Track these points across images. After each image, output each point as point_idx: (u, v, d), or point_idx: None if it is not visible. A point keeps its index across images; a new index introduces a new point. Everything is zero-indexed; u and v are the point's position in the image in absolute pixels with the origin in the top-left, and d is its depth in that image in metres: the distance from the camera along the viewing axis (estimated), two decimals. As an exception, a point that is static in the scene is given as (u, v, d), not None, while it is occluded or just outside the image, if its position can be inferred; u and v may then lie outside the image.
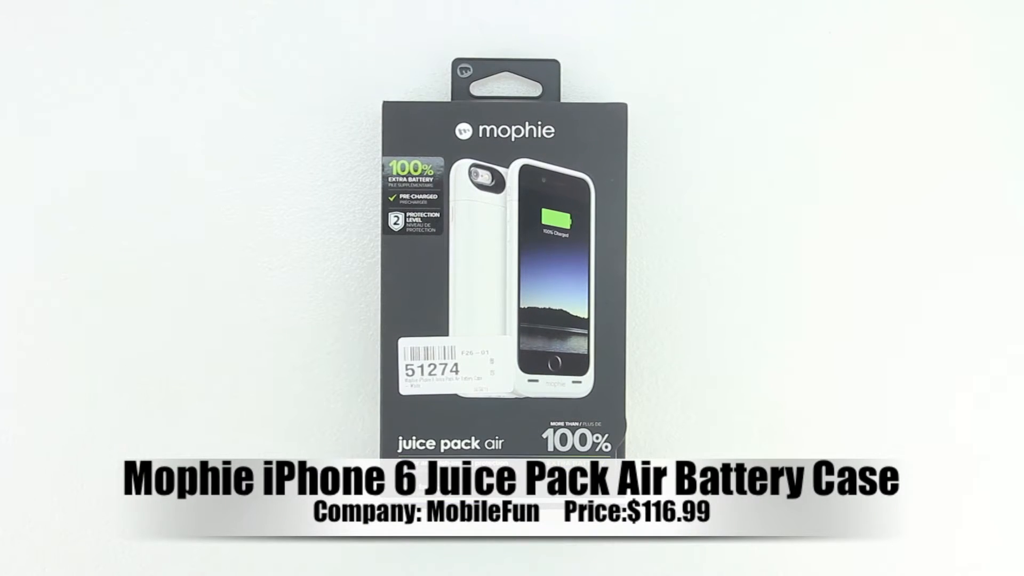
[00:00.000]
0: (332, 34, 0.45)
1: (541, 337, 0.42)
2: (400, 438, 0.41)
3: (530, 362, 0.42)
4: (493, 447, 0.41)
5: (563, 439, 0.41)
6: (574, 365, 0.42)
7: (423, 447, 0.41)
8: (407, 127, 0.42)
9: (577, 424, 0.41)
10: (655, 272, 0.46)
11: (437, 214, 0.42)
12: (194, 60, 0.45)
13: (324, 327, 0.45)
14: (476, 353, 0.41)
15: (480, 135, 0.42)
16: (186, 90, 0.45)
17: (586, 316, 0.42)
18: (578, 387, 0.42)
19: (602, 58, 0.45)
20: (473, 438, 0.41)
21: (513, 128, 0.42)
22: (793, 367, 0.46)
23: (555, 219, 0.43)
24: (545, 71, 0.45)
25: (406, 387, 0.41)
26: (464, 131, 0.42)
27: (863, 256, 0.46)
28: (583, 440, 0.41)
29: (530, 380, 0.42)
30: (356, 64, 0.45)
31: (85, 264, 0.45)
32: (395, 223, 0.42)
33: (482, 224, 0.42)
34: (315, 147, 0.45)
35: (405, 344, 0.41)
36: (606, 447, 0.41)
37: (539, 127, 0.43)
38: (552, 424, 0.41)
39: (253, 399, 0.45)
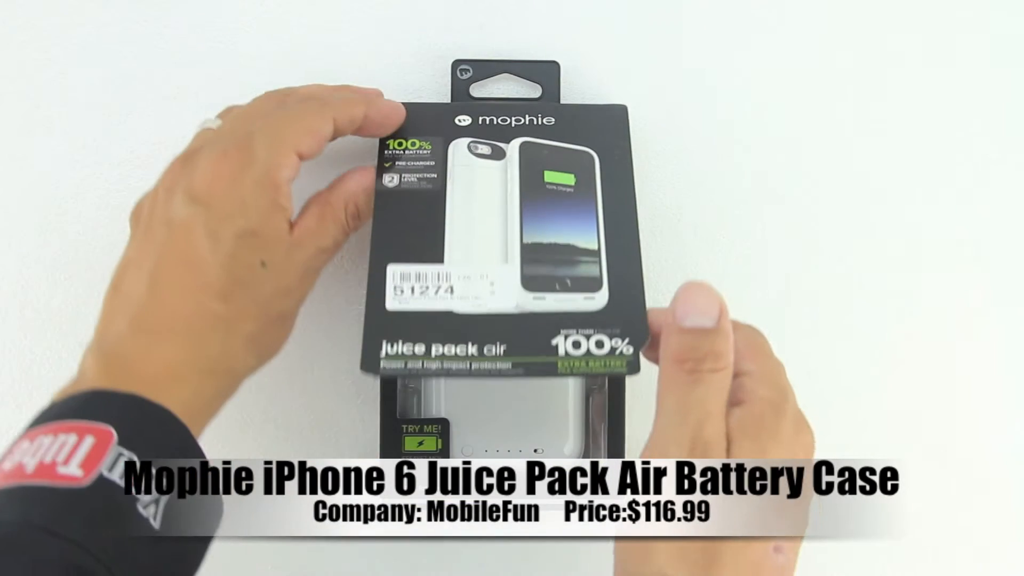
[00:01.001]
0: (331, 35, 0.46)
1: (547, 264, 0.38)
2: (384, 342, 0.35)
3: (535, 283, 0.38)
4: (494, 353, 0.36)
5: (576, 345, 0.36)
6: (585, 285, 0.38)
7: (411, 352, 0.35)
8: (406, 122, 0.42)
9: (592, 331, 0.36)
10: (655, 273, 0.46)
11: (434, 175, 0.40)
12: (193, 61, 0.46)
13: (324, 328, 0.45)
14: (474, 278, 0.38)
15: (479, 123, 0.42)
16: (186, 90, 0.45)
17: (596, 248, 0.39)
18: (591, 302, 0.37)
19: (602, 60, 0.46)
20: (470, 343, 0.36)
21: (513, 118, 0.42)
22: (793, 367, 0.46)
23: (558, 178, 0.41)
24: (545, 72, 0.45)
25: (394, 303, 0.37)
26: (463, 120, 0.42)
27: (865, 254, 0.46)
28: (599, 345, 0.36)
29: (536, 298, 0.37)
30: (355, 65, 0.45)
31: (86, 262, 0.45)
32: (390, 181, 0.40)
33: (482, 180, 0.40)
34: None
35: (395, 269, 0.37)
36: (628, 349, 0.36)
37: (539, 118, 0.42)
38: (563, 331, 0.36)
39: (253, 399, 0.45)
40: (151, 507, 0.31)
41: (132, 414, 0.32)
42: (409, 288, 0.37)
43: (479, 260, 0.38)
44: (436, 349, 0.36)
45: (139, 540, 0.31)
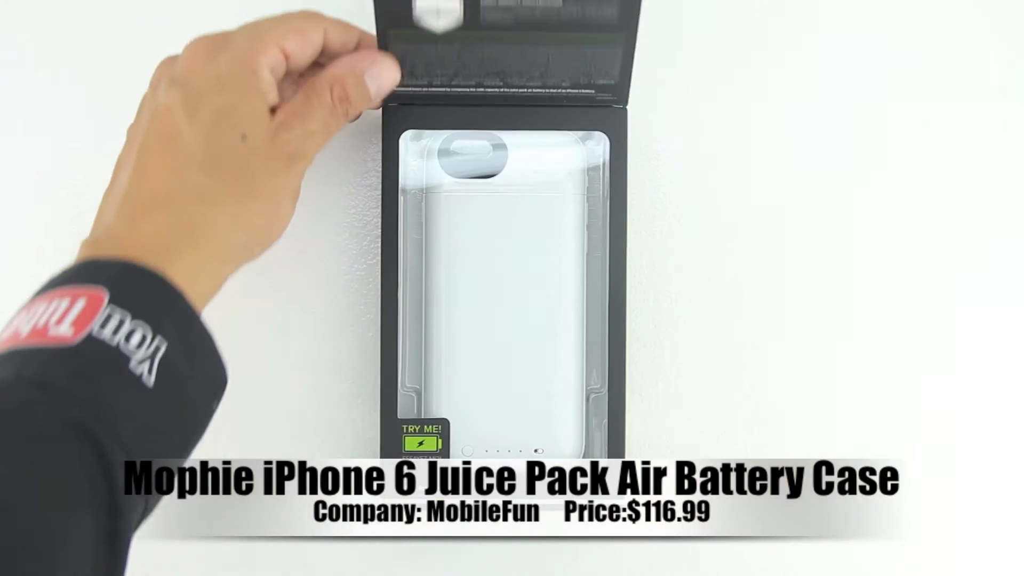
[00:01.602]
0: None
1: None
2: None
3: None
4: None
5: None
6: None
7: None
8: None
9: None
10: (655, 273, 0.46)
11: None
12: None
13: (324, 327, 0.45)
14: None
15: None
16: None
17: None
18: None
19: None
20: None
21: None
22: (793, 367, 0.46)
23: None
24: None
25: None
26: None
27: (864, 256, 0.46)
28: None
29: None
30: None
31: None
32: None
33: None
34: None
35: None
36: None
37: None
38: None
39: (253, 399, 0.45)
40: (144, 364, 0.31)
41: (124, 277, 0.32)
42: None
43: None
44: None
45: (132, 397, 0.30)
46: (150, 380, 0.31)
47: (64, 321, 0.30)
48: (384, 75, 0.38)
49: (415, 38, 0.37)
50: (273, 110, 0.36)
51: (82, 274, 0.32)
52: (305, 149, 0.37)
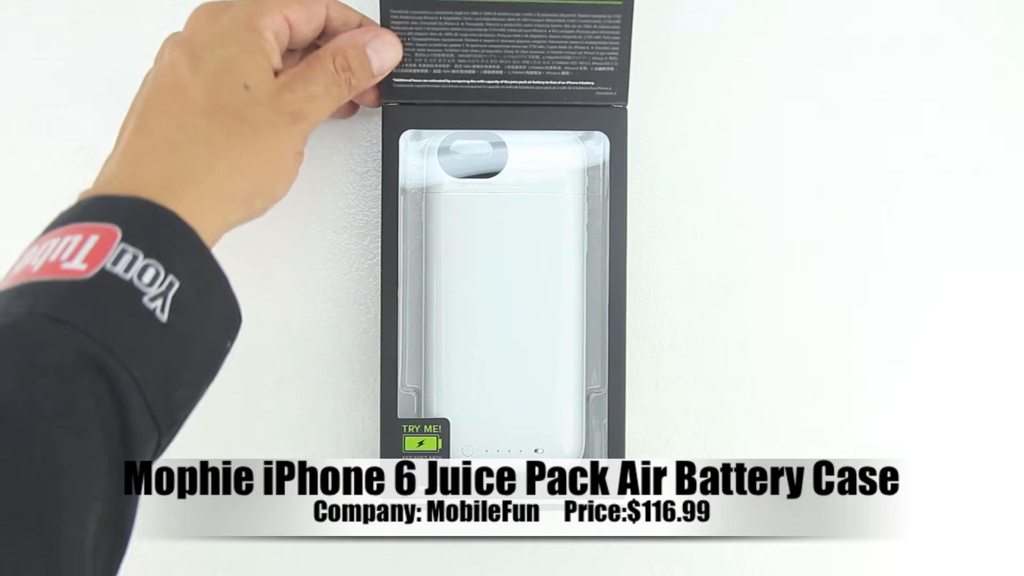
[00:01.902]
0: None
1: None
2: None
3: None
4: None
5: None
6: None
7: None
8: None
9: None
10: (655, 273, 0.46)
11: None
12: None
13: (324, 328, 0.45)
14: None
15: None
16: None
17: None
18: None
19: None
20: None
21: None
22: (794, 367, 0.46)
23: None
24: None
25: None
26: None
27: (866, 255, 0.46)
28: None
29: None
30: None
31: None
32: None
33: None
34: (315, 148, 0.45)
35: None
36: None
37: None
38: None
39: (253, 399, 0.45)
40: (158, 300, 0.31)
41: (135, 214, 0.32)
42: None
43: None
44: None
45: (145, 332, 0.31)
46: (163, 316, 0.31)
47: (76, 256, 0.30)
48: (385, 50, 0.39)
49: (416, 4, 0.38)
50: (277, 76, 0.36)
51: (92, 211, 0.32)
52: (307, 110, 0.37)
